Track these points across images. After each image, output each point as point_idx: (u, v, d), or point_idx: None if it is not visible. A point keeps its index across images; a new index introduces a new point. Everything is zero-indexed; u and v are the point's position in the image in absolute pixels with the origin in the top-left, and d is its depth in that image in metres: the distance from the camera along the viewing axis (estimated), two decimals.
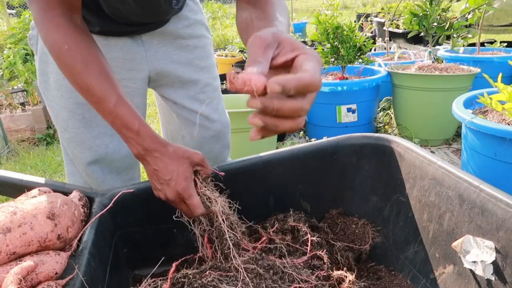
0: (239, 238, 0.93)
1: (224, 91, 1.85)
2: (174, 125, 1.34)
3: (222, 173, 0.97)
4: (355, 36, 2.80)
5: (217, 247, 0.94)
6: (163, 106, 1.35)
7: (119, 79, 1.09)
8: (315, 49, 3.17)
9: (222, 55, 5.25)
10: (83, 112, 1.11)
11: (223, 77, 3.36)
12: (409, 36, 3.20)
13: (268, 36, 0.55)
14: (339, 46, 2.81)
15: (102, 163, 1.16)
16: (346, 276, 0.88)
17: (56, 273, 0.71)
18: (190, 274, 0.83)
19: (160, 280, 0.83)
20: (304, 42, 5.12)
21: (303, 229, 1.01)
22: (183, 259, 0.99)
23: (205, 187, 0.92)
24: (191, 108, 1.24)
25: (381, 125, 3.18)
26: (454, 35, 2.85)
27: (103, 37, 1.07)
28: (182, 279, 0.82)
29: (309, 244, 0.97)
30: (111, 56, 1.07)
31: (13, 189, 0.97)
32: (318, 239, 1.02)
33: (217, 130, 1.28)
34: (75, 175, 1.21)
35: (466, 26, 2.87)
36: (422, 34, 2.96)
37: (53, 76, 1.10)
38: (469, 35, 3.01)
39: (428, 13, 2.76)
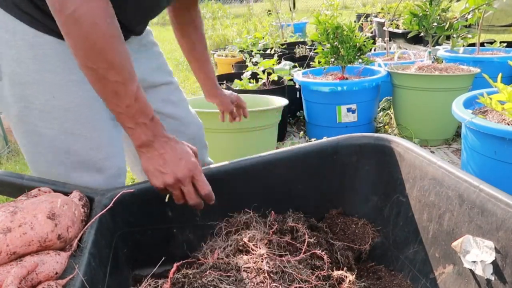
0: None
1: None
2: None
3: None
4: (355, 36, 2.80)
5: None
6: None
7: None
8: (315, 49, 3.17)
9: (222, 55, 5.24)
10: (87, 132, 1.00)
11: (223, 77, 3.37)
12: (409, 36, 3.20)
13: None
14: (339, 46, 2.81)
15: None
16: (346, 276, 0.88)
17: (56, 273, 0.72)
18: (190, 274, 0.83)
19: (161, 280, 0.83)
20: (304, 42, 5.12)
21: (302, 230, 1.01)
22: (184, 261, 0.99)
23: None
24: (163, 112, 1.21)
25: (381, 125, 3.18)
26: (454, 35, 2.85)
27: None
28: (182, 279, 0.82)
29: (305, 244, 0.97)
30: None
31: (13, 189, 0.97)
32: (317, 239, 1.02)
33: (193, 133, 1.28)
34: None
35: (466, 26, 2.86)
36: (422, 34, 2.96)
37: (39, 98, 0.94)
38: (469, 35, 3.00)
39: (428, 13, 2.76)
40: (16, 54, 0.92)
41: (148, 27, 1.22)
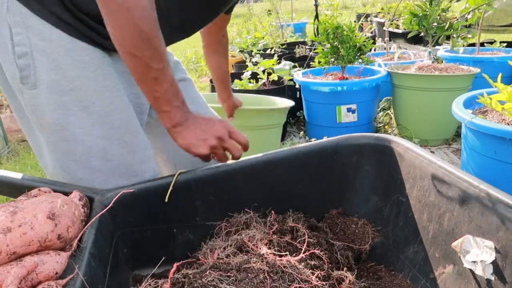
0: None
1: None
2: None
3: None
4: (355, 36, 2.80)
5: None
6: None
7: (132, 93, 1.07)
8: (315, 49, 3.17)
9: None
10: (122, 136, 1.00)
11: None
12: (409, 36, 3.20)
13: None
14: (339, 46, 2.81)
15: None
16: (346, 276, 0.88)
17: (56, 273, 0.72)
18: (191, 274, 0.83)
19: (161, 280, 0.83)
20: (304, 42, 5.12)
21: (302, 230, 1.01)
22: (184, 261, 0.99)
23: None
24: None
25: (381, 125, 3.18)
26: (454, 35, 2.85)
27: (111, 52, 1.00)
28: (182, 279, 0.82)
29: (305, 244, 0.97)
30: (119, 71, 1.03)
31: (13, 189, 0.97)
32: (317, 239, 1.02)
33: None
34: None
35: (466, 26, 2.87)
36: (422, 34, 2.96)
37: (78, 105, 0.94)
38: (469, 35, 3.00)
39: (428, 13, 2.76)
40: (54, 62, 0.92)
41: None
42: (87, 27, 0.94)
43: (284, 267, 0.83)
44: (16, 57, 0.91)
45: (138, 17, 0.83)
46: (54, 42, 0.91)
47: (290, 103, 2.51)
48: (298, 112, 3.41)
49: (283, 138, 3.14)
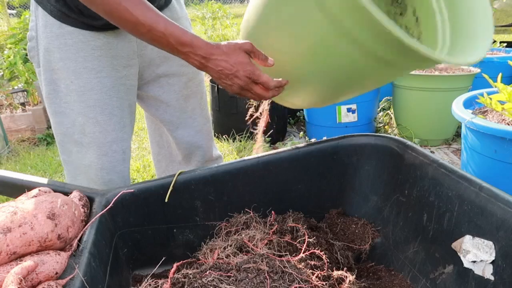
0: None
1: None
2: (161, 135, 1.37)
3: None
4: None
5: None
6: (150, 119, 1.38)
7: (118, 77, 1.10)
8: None
9: None
10: (96, 116, 1.09)
11: None
12: None
13: None
14: None
15: (117, 171, 1.14)
16: (346, 276, 0.88)
17: (56, 273, 0.72)
18: (191, 274, 0.83)
19: (161, 280, 0.83)
20: None
21: (302, 230, 1.01)
22: (184, 261, 0.99)
23: None
24: (173, 105, 1.25)
25: (381, 125, 3.18)
26: None
27: (103, 34, 1.07)
28: (183, 279, 0.82)
29: (305, 244, 0.97)
30: (111, 54, 1.08)
31: (13, 189, 0.97)
32: (317, 239, 1.02)
33: (200, 124, 1.31)
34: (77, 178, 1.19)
35: None
36: None
37: (63, 82, 1.08)
38: None
39: None
40: (47, 44, 1.06)
41: (179, 12, 1.23)
42: (78, 14, 1.02)
43: (284, 267, 0.83)
44: (28, 39, 1.11)
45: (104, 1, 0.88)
46: (48, 27, 1.05)
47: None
48: (298, 112, 3.41)
49: (283, 138, 3.14)
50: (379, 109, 3.31)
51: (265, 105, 1.21)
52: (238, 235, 0.99)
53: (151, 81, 1.22)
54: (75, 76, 1.06)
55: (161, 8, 1.15)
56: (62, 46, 1.05)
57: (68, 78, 1.07)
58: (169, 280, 0.82)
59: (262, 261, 0.85)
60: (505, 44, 3.62)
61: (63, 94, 1.09)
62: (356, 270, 1.01)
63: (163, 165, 1.46)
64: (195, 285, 0.79)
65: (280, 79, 0.98)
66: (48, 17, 1.04)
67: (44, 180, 0.98)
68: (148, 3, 0.91)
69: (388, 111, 3.28)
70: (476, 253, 0.77)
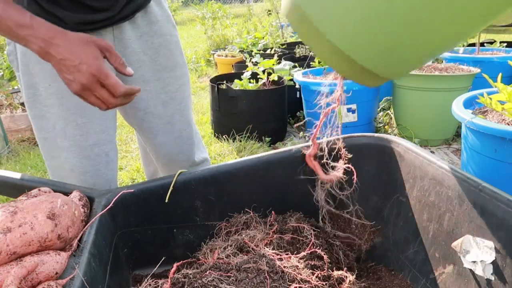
0: None
1: None
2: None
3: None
4: None
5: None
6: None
7: None
8: None
9: (222, 55, 5.24)
10: (76, 119, 1.07)
11: (223, 77, 3.37)
12: None
13: None
14: None
15: (99, 174, 1.11)
16: (346, 276, 0.88)
17: (57, 273, 0.72)
18: (191, 274, 0.83)
19: (161, 280, 0.83)
20: None
21: (302, 230, 1.01)
22: (184, 261, 0.99)
23: None
24: (151, 111, 1.20)
25: (381, 125, 3.18)
26: None
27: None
28: (183, 279, 0.82)
29: (311, 243, 0.97)
30: None
31: (13, 189, 0.97)
32: (317, 239, 1.02)
33: (179, 130, 1.25)
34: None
35: None
36: None
37: (42, 85, 1.05)
38: None
39: None
40: (23, 48, 0.98)
41: (159, 15, 1.16)
42: (46, 11, 0.96)
43: (284, 267, 0.84)
44: (6, 44, 1.06)
45: None
46: None
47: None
48: (298, 112, 3.41)
49: (283, 138, 3.14)
50: (379, 109, 3.31)
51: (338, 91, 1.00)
52: (238, 235, 1.00)
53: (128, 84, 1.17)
54: (52, 79, 1.03)
55: (134, 11, 1.09)
56: None
57: (45, 81, 1.03)
58: (169, 280, 0.82)
59: (262, 261, 0.85)
60: (505, 44, 3.62)
61: (42, 98, 1.06)
62: (356, 270, 1.01)
63: (151, 170, 1.44)
64: (195, 285, 0.79)
65: (132, 86, 0.88)
66: None
67: (44, 180, 0.98)
68: None
69: (388, 111, 3.28)
70: (476, 253, 0.77)
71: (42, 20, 0.84)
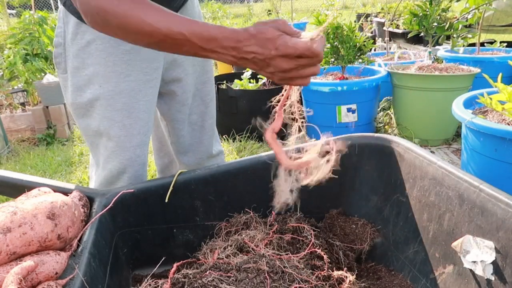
0: None
1: None
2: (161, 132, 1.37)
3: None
4: (355, 36, 2.80)
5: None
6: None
7: (146, 80, 1.10)
8: None
9: None
10: (123, 119, 1.08)
11: (223, 77, 3.37)
12: (409, 36, 3.20)
13: None
14: (339, 46, 2.81)
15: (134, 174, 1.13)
16: (346, 276, 0.88)
17: (56, 273, 0.72)
18: (191, 274, 0.83)
19: (161, 280, 0.83)
20: None
21: (302, 230, 1.01)
22: (184, 261, 0.99)
23: None
24: (188, 105, 1.25)
25: (381, 125, 3.18)
26: (454, 35, 2.84)
27: None
28: (183, 279, 0.82)
29: (310, 243, 0.97)
30: (139, 58, 1.08)
31: (13, 189, 0.97)
32: (317, 239, 1.02)
33: (202, 120, 1.31)
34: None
35: (466, 26, 2.86)
36: (422, 34, 2.95)
37: (91, 87, 1.07)
38: (469, 35, 3.00)
39: (428, 13, 2.76)
40: (77, 51, 1.05)
41: (197, 10, 1.23)
42: None
43: (284, 267, 0.83)
44: (53, 46, 1.10)
45: (109, 13, 0.78)
46: (79, 35, 1.04)
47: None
48: None
49: (283, 138, 3.14)
50: (379, 109, 3.31)
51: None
52: (238, 235, 1.00)
53: (171, 81, 1.22)
54: (104, 80, 1.06)
55: (177, 9, 1.13)
56: (93, 51, 1.04)
57: (97, 82, 1.06)
58: (169, 280, 0.82)
59: (262, 261, 0.85)
60: (505, 44, 3.62)
61: (87, 100, 1.08)
62: (356, 270, 1.01)
63: (166, 161, 1.46)
64: (195, 285, 0.79)
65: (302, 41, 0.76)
66: (80, 24, 1.03)
67: (44, 180, 0.98)
68: (158, 5, 0.80)
69: (388, 111, 3.28)
70: (476, 253, 0.77)
71: (224, 27, 0.79)
